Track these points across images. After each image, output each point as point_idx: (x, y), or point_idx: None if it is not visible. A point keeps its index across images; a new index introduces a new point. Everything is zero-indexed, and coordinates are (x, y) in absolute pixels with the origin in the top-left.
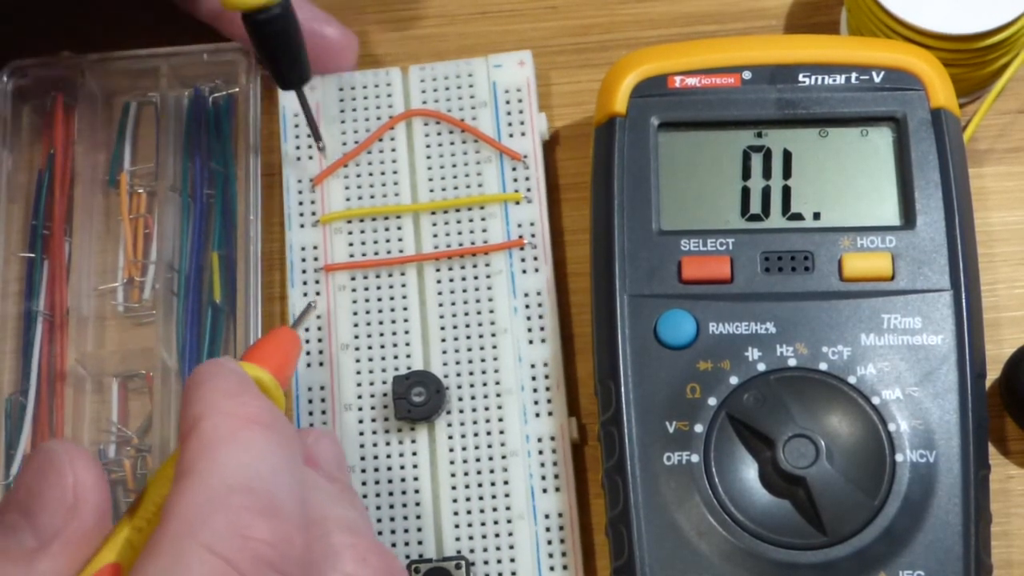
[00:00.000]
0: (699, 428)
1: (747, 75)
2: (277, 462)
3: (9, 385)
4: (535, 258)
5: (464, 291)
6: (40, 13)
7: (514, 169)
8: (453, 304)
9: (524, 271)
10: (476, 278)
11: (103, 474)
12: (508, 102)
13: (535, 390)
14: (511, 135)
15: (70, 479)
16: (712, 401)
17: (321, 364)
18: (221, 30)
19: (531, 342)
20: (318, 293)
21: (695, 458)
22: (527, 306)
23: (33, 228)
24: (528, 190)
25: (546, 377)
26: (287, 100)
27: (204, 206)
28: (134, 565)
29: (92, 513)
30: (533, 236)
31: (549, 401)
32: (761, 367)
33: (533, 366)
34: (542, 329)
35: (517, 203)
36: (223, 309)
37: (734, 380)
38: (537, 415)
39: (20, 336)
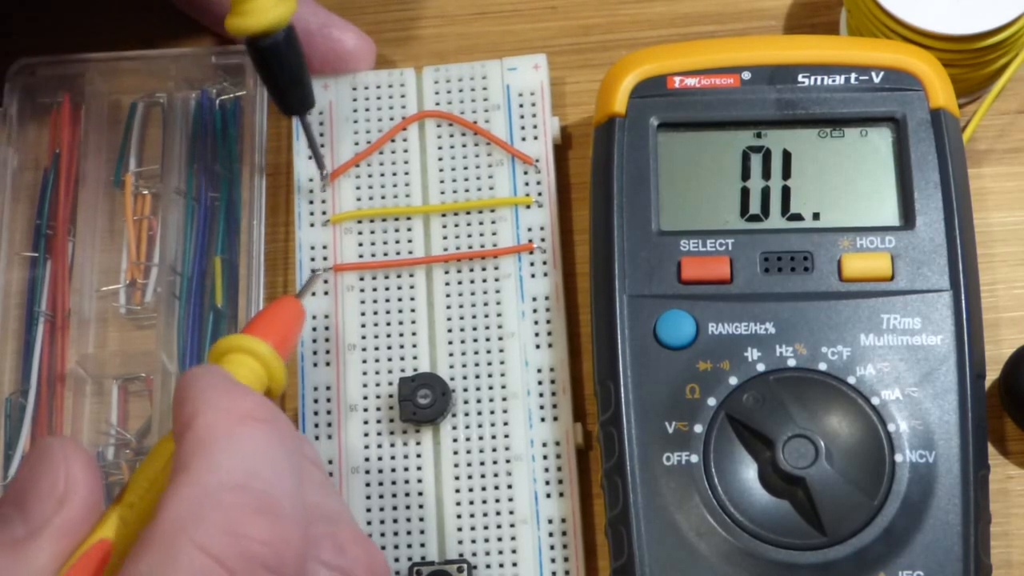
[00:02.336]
0: (699, 428)
1: (747, 75)
2: (275, 458)
3: (9, 385)
4: (544, 263)
5: (472, 294)
6: (49, 12)
7: (525, 173)
8: (461, 307)
9: (533, 275)
10: (485, 281)
11: (97, 470)
12: (522, 105)
13: (541, 395)
14: (523, 139)
15: (62, 472)
16: (712, 401)
17: (328, 364)
18: (235, 40)
19: (538, 346)
20: (326, 293)
21: (695, 458)
22: (535, 311)
23: (37, 227)
24: (539, 194)
25: (552, 382)
26: None
27: (208, 209)
28: (127, 558)
29: (81, 505)
30: (543, 240)
31: (555, 406)
32: (761, 367)
33: (540, 371)
34: (549, 334)
35: (528, 207)
36: (225, 314)
37: (734, 380)
38: (543, 420)
39: (21, 336)
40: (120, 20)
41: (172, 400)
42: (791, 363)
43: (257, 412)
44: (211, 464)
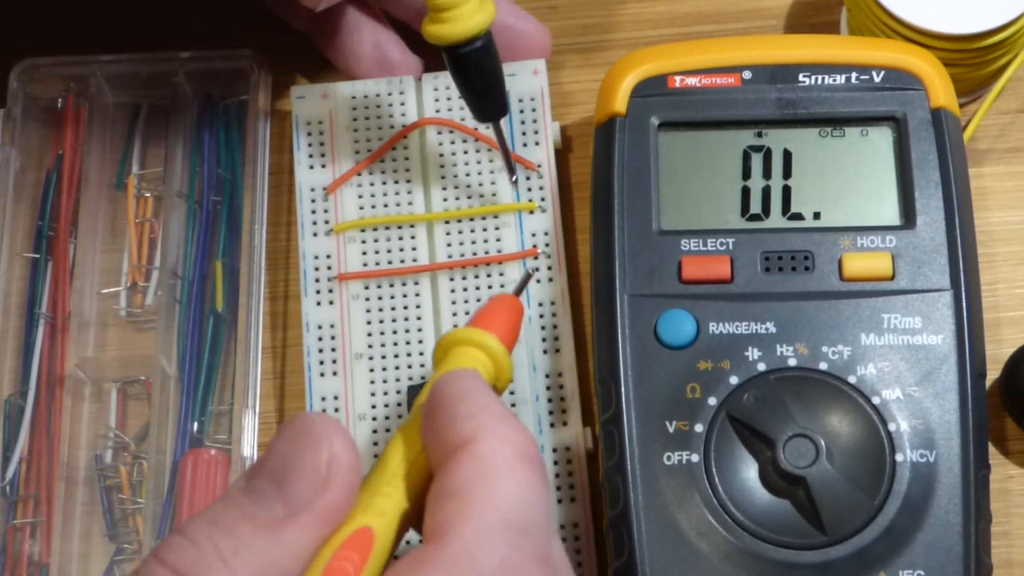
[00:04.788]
0: (699, 428)
1: (747, 75)
2: (543, 504)
3: (8, 386)
4: (549, 267)
5: (478, 300)
6: (54, 13)
7: (528, 178)
8: (467, 313)
9: (538, 281)
10: (490, 287)
11: (358, 453)
12: (522, 111)
13: (550, 400)
14: (524, 144)
15: (326, 453)
16: (712, 401)
17: (335, 374)
18: (313, 39)
19: (545, 352)
20: (332, 303)
21: (695, 458)
22: (541, 316)
23: (39, 229)
24: (542, 199)
25: (560, 387)
26: (300, 108)
27: (210, 213)
28: (402, 568)
29: (344, 488)
30: (547, 245)
31: (564, 411)
32: (761, 367)
33: (547, 376)
34: (556, 339)
35: (531, 212)
36: (224, 318)
37: (734, 380)
38: (552, 425)
39: (21, 337)
40: (124, 22)
41: (436, 398)
42: (792, 362)
43: (531, 450)
44: (494, 498)
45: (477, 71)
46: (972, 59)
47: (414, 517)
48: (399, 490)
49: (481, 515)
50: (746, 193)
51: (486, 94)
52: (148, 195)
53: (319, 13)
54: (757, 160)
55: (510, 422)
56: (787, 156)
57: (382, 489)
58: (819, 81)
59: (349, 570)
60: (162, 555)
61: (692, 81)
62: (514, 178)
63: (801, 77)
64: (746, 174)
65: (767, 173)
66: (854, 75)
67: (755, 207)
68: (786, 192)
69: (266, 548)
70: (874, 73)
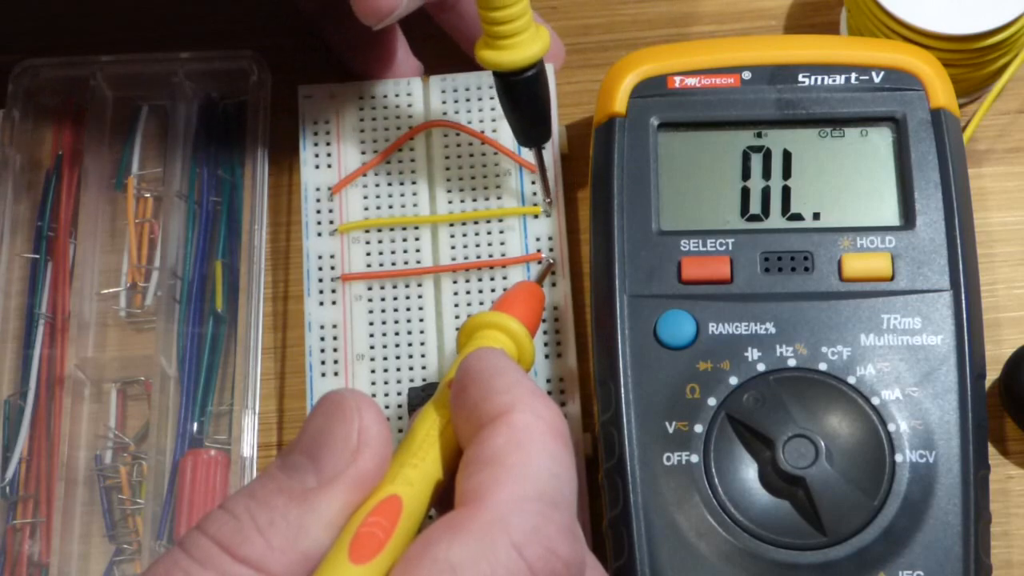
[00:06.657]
0: (699, 428)
1: (747, 75)
2: (572, 481)
3: (8, 386)
4: (553, 272)
5: (481, 303)
6: (54, 13)
7: (533, 182)
8: (470, 316)
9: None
10: (493, 291)
11: (388, 425)
12: None
13: None
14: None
15: (355, 424)
16: (712, 401)
17: (336, 374)
18: (322, 30)
19: (547, 356)
20: (334, 303)
21: (695, 458)
22: (544, 320)
23: (38, 229)
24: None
25: (562, 392)
26: (307, 108)
27: (210, 213)
28: (432, 536)
29: (373, 458)
30: (551, 250)
31: (564, 416)
32: (761, 367)
33: (549, 381)
34: (558, 343)
35: (536, 216)
36: (224, 318)
37: (734, 380)
38: None
39: (21, 338)
40: (124, 22)
41: (468, 373)
42: (791, 363)
43: (563, 428)
44: (529, 468)
45: (528, 98)
46: (972, 59)
47: (442, 489)
48: (426, 461)
49: (516, 483)
50: (746, 193)
51: (535, 121)
52: (148, 195)
53: (327, 1)
54: (757, 160)
55: (543, 398)
56: (787, 156)
57: (409, 461)
58: (819, 81)
59: (379, 535)
60: (204, 527)
61: (692, 81)
62: (548, 200)
63: (801, 77)
64: (746, 174)
65: (767, 173)
66: (854, 75)
67: (755, 207)
68: (786, 192)
69: (299, 517)
70: (874, 73)
